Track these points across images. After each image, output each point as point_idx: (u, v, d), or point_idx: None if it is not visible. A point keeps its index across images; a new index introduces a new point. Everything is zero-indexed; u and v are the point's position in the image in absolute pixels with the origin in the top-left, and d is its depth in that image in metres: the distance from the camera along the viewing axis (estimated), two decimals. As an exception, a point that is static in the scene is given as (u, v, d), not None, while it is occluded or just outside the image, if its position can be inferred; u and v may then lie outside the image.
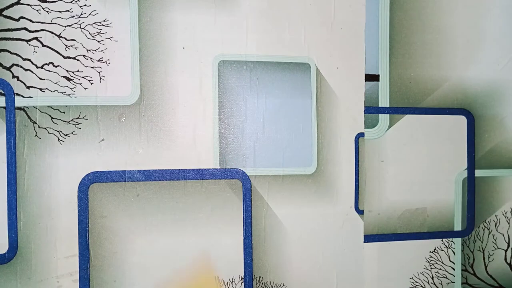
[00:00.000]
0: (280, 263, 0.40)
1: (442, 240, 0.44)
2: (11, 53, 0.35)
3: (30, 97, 0.36)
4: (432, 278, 0.43)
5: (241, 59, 0.39)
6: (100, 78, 0.36)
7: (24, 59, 0.35)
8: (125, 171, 0.37)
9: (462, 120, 0.44)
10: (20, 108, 0.35)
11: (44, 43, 0.36)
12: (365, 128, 0.42)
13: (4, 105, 0.35)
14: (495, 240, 0.45)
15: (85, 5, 0.36)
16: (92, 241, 0.37)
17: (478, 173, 0.44)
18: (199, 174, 0.38)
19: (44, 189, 0.36)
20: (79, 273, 0.36)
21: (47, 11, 0.35)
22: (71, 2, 0.36)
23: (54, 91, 0.36)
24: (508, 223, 0.45)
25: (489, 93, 0.45)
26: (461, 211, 0.44)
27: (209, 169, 0.38)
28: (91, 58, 0.36)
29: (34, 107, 0.36)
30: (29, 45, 0.35)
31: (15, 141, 0.35)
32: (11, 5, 0.35)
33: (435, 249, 0.44)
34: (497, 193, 0.45)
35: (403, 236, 0.43)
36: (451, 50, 0.44)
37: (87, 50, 0.36)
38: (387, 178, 0.42)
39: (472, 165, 0.44)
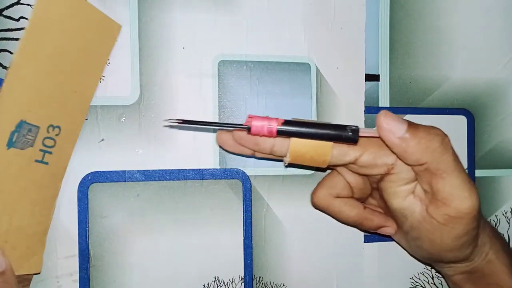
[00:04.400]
0: (280, 263, 0.40)
1: (442, 240, 0.44)
2: (11, 53, 0.35)
3: (30, 97, 0.35)
4: (432, 278, 0.43)
5: (241, 59, 0.39)
6: (100, 78, 0.36)
7: (24, 59, 0.35)
8: (125, 171, 0.37)
9: (462, 120, 0.44)
10: (20, 108, 0.35)
11: (44, 43, 0.35)
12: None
13: (4, 105, 0.35)
14: (495, 240, 0.45)
15: (85, 5, 0.36)
16: (92, 241, 0.37)
17: (478, 173, 0.44)
18: (199, 174, 0.38)
19: (44, 189, 0.36)
20: (79, 273, 0.36)
21: (47, 11, 0.35)
22: (71, 2, 0.36)
23: (54, 91, 0.36)
24: (508, 223, 0.45)
25: (489, 93, 0.45)
26: (461, 211, 0.44)
27: (209, 169, 0.38)
28: (91, 58, 0.36)
29: (34, 107, 0.36)
30: (29, 45, 0.35)
31: (15, 141, 0.35)
32: (11, 5, 0.35)
33: (435, 249, 0.43)
34: (497, 193, 0.45)
35: (403, 236, 0.43)
36: (451, 50, 0.44)
37: (87, 50, 0.36)
38: (387, 178, 0.42)
39: (472, 165, 0.44)
